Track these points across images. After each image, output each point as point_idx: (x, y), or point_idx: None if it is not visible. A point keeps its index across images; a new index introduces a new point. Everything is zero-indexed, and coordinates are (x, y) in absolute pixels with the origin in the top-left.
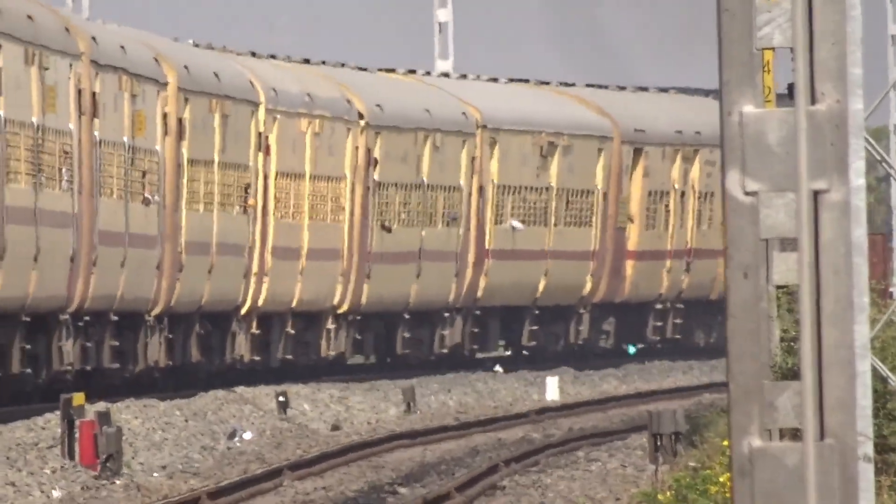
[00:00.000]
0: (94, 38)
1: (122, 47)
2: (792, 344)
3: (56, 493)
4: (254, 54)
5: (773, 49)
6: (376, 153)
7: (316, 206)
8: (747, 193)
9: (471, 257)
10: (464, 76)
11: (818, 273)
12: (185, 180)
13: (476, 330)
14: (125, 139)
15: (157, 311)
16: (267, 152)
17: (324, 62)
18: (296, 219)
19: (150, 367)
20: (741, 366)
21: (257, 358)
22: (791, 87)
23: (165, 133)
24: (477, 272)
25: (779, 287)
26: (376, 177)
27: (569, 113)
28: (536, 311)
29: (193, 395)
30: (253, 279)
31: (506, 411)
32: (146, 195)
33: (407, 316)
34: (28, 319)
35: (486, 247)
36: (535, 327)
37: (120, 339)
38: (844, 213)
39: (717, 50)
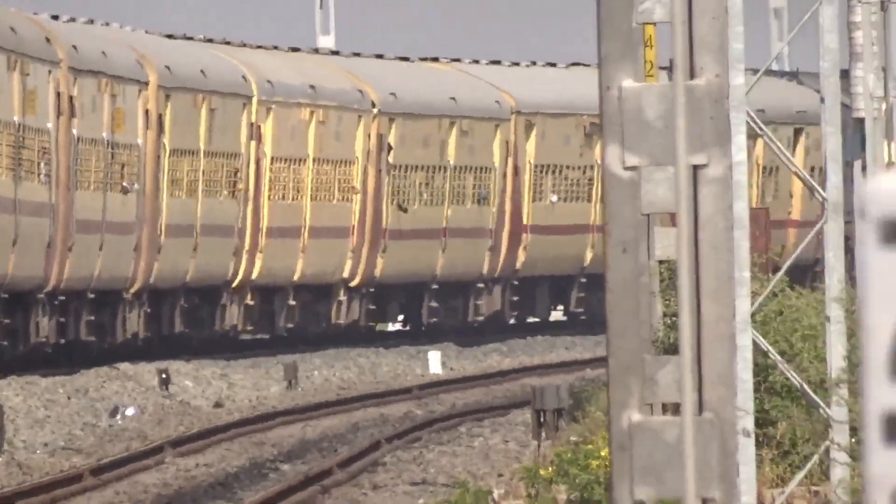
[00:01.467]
0: (74, 47)
1: (104, 52)
2: (674, 319)
3: None
4: (259, 47)
5: (654, 24)
6: (391, 138)
7: (320, 187)
8: (627, 168)
9: (506, 233)
10: (496, 62)
11: (697, 248)
12: (165, 170)
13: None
14: (105, 135)
15: (134, 288)
16: (260, 140)
17: (336, 52)
18: (296, 199)
19: (129, 339)
20: (621, 341)
21: (250, 328)
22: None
23: (147, 127)
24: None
25: (662, 262)
26: (391, 160)
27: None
28: (583, 280)
29: (75, 372)
30: (245, 256)
31: (388, 386)
32: (124, 185)
33: (435, 286)
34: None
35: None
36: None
37: (97, 315)
38: (724, 187)
39: (596, 24)
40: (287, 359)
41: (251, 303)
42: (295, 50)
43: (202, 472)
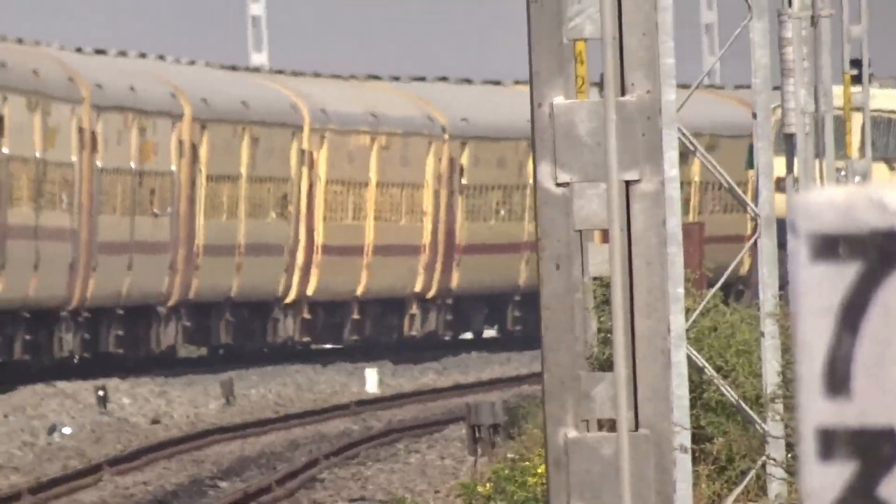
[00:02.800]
0: (98, 85)
1: (132, 87)
2: (609, 335)
3: None
4: (315, 75)
5: (584, 40)
6: (463, 161)
7: (383, 209)
8: (559, 185)
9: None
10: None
11: (631, 264)
12: (202, 195)
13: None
14: (132, 165)
15: (171, 302)
16: (312, 166)
17: (396, 78)
18: (357, 220)
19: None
20: (556, 356)
21: (307, 339)
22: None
23: (181, 156)
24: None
25: (596, 279)
26: (465, 181)
27: None
28: (518, 298)
29: (12, 389)
30: (297, 273)
31: (326, 403)
32: (155, 210)
33: (517, 298)
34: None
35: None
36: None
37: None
38: (657, 202)
39: (527, 41)
40: (223, 376)
41: (308, 317)
42: (352, 77)
43: (140, 490)
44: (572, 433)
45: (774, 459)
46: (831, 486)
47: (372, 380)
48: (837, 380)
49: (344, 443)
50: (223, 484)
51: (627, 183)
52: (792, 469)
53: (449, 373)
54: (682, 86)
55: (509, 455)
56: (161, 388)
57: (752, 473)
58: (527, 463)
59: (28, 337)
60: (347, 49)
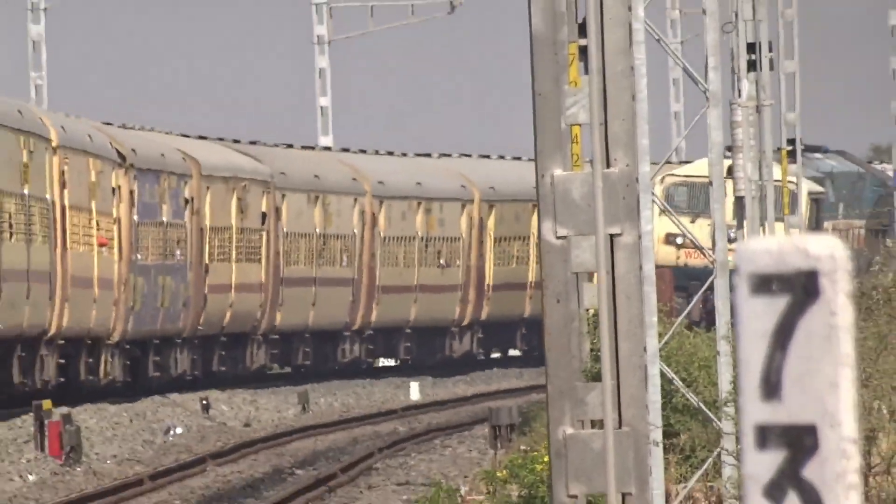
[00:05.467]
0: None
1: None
2: (598, 354)
3: (31, 478)
4: (363, 151)
5: (579, 125)
6: (489, 220)
7: (428, 256)
8: (558, 237)
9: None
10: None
11: (615, 299)
12: (282, 247)
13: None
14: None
15: (261, 330)
16: (373, 224)
17: (446, 154)
18: (407, 267)
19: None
20: (557, 371)
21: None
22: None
23: (267, 216)
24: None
25: (588, 310)
26: (492, 233)
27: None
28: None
29: (137, 400)
30: (362, 305)
31: (379, 409)
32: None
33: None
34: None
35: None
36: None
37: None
38: (634, 251)
39: (533, 125)
40: (299, 388)
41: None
42: (404, 155)
43: (236, 478)
44: (570, 430)
45: (727, 450)
46: (766, 470)
47: (415, 390)
48: (771, 387)
49: (393, 439)
50: (299, 472)
51: (612, 236)
52: (739, 457)
53: (475, 384)
54: (654, 162)
55: (522, 448)
56: (252, 398)
57: (710, 461)
58: (535, 454)
59: (156, 358)
60: (399, 128)
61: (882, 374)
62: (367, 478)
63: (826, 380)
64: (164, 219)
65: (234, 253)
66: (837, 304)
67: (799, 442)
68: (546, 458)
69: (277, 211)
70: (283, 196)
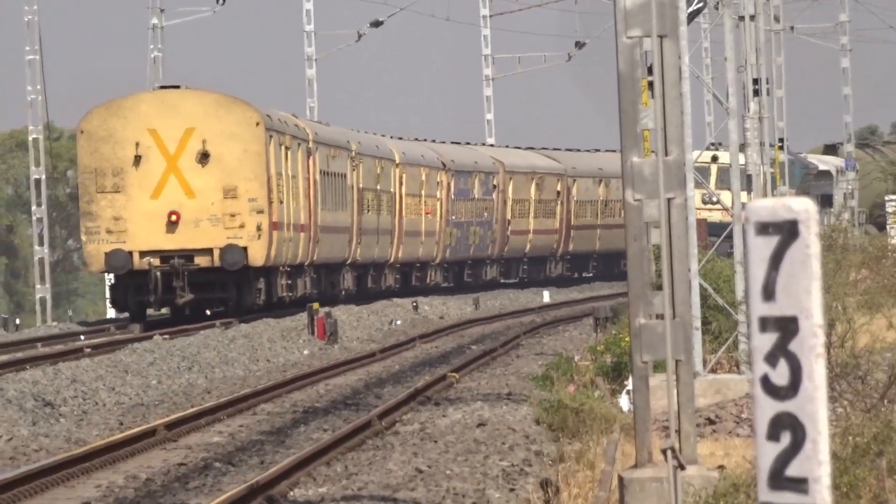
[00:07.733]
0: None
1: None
2: (660, 272)
3: (306, 352)
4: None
5: (649, 129)
6: (573, 189)
7: (539, 211)
8: (636, 200)
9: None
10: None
11: (671, 238)
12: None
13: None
14: (379, 187)
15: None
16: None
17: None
18: (524, 216)
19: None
20: (635, 283)
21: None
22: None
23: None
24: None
25: (655, 245)
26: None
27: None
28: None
29: (373, 301)
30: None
31: (523, 307)
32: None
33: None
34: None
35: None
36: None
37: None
38: (683, 209)
39: (619, 129)
40: (474, 295)
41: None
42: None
43: (434, 349)
44: (643, 320)
45: (741, 333)
46: (766, 345)
47: (546, 296)
48: (768, 293)
49: (532, 326)
50: (473, 347)
51: (668, 199)
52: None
53: (582, 291)
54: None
55: (613, 332)
56: (443, 302)
57: (731, 339)
58: (621, 335)
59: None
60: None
61: (837, 285)
62: (516, 350)
63: (803, 288)
64: (476, 195)
65: (532, 212)
66: (810, 241)
67: (786, 327)
68: (628, 338)
69: (569, 191)
70: (574, 181)
